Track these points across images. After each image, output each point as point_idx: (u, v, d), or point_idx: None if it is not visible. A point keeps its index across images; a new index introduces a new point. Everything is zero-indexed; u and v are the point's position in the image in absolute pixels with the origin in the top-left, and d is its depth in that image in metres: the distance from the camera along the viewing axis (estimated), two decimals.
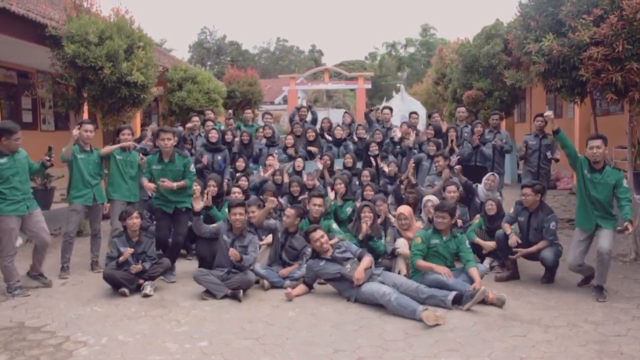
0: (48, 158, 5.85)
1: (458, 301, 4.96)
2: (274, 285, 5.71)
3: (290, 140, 9.27)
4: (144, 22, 39.52)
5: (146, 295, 5.42)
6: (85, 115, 9.45)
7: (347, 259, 5.32)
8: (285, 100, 32.68)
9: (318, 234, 5.43)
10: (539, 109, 14.02)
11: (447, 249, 5.52)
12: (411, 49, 47.22)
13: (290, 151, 9.10)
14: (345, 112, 10.98)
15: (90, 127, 6.40)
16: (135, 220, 5.76)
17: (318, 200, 6.35)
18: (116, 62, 8.20)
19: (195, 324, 4.64)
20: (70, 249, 6.34)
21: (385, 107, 10.49)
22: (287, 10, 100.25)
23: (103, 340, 4.30)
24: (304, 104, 16.32)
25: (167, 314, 4.92)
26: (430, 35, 45.68)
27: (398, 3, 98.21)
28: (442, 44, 23.26)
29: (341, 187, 7.10)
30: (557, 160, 8.46)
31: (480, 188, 7.45)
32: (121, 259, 5.57)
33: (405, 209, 6.35)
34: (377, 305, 4.97)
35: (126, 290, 5.45)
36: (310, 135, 9.34)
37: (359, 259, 5.34)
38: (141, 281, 5.59)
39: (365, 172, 7.82)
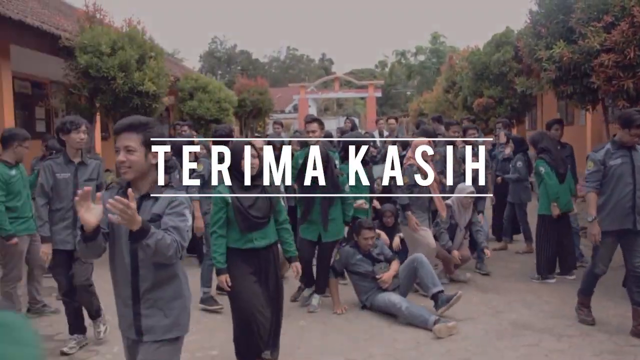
0: None
1: (435, 301, 4.89)
2: None
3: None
4: (156, 33, 39.99)
5: (65, 354, 4.23)
6: (98, 125, 9.51)
7: (380, 261, 5.24)
8: (295, 109, 32.81)
9: (370, 234, 5.27)
10: (550, 116, 13.92)
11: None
12: (421, 57, 47.27)
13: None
14: (347, 119, 10.80)
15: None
16: (78, 136, 4.11)
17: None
18: (128, 72, 8.30)
19: (206, 333, 4.65)
20: None
21: (390, 117, 10.44)
22: (297, 19, 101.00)
23: (115, 349, 4.32)
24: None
25: None
26: (440, 43, 45.71)
27: (408, 11, 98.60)
28: (452, 51, 23.28)
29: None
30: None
31: None
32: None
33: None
34: (388, 314, 4.95)
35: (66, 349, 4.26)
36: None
37: (389, 262, 5.27)
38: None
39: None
